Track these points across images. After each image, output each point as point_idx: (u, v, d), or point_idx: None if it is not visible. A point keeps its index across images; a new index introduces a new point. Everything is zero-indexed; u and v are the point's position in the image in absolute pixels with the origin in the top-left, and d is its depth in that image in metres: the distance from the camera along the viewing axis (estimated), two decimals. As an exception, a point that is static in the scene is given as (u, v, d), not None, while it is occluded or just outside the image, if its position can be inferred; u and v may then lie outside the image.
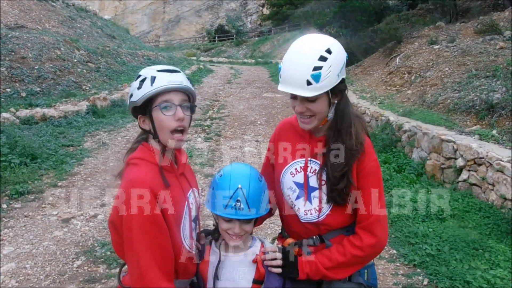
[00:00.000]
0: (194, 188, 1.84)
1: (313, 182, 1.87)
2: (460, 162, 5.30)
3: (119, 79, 13.77)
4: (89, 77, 12.70)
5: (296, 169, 1.91)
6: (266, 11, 45.87)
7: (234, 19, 43.49)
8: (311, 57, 1.60)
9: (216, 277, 1.80)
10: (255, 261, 1.82)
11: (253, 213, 1.74)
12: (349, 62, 14.90)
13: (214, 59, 33.87)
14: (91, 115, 10.10)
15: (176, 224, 1.66)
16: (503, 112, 6.04)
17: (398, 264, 4.08)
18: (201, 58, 31.96)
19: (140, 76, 1.65)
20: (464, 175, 5.26)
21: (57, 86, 11.19)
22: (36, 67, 11.17)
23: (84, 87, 11.94)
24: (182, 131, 1.67)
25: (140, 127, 1.73)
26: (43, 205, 5.40)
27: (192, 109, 1.70)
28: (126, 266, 1.78)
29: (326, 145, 1.83)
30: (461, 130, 6.00)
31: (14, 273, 3.88)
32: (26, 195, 5.66)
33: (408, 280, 3.77)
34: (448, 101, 7.25)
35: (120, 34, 23.48)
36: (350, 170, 1.79)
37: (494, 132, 5.66)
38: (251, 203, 1.73)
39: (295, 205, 1.92)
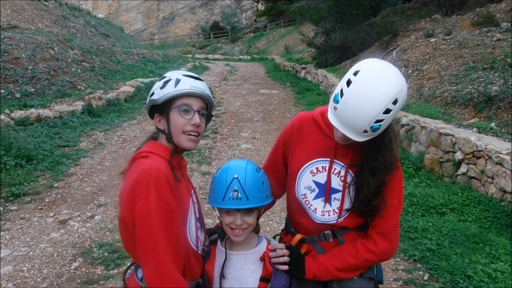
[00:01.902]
0: (193, 190, 1.83)
1: (336, 183, 1.83)
2: (459, 156, 5.27)
3: (114, 78, 13.69)
4: (83, 77, 12.61)
5: (317, 168, 1.85)
6: (261, 7, 45.73)
7: (229, 16, 43.31)
8: (377, 109, 1.50)
9: (222, 276, 1.77)
10: (262, 259, 1.80)
11: (252, 202, 1.71)
12: (345, 57, 14.92)
13: (210, 56, 33.75)
14: (86, 115, 10.02)
15: (183, 221, 1.64)
16: (501, 104, 6.01)
17: (398, 259, 4.06)
18: (197, 56, 31.87)
19: (165, 77, 1.69)
20: (463, 168, 5.23)
21: (52, 87, 11.11)
22: (30, 68, 11.08)
23: (79, 87, 11.85)
24: (195, 136, 1.68)
25: (156, 126, 1.74)
26: (40, 207, 5.35)
27: (208, 118, 1.72)
28: (132, 268, 1.75)
29: (360, 159, 1.78)
30: (460, 123, 5.97)
31: (11, 276, 3.83)
32: (22, 197, 5.61)
33: (409, 275, 3.75)
34: (446, 94, 7.22)
35: (114, 33, 23.36)
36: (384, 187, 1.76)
37: (493, 124, 5.63)
38: (248, 192, 1.71)
39: (311, 205, 1.87)
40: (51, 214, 5.13)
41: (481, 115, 6.23)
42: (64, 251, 4.27)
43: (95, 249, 4.30)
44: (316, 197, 1.85)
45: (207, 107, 1.72)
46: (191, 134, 1.66)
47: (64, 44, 13.42)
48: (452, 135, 5.44)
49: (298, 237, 1.93)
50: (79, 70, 12.73)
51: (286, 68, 20.03)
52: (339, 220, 1.83)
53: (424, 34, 10.97)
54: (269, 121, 10.09)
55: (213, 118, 10.53)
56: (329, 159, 1.83)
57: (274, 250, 1.82)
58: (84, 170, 6.71)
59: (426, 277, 3.67)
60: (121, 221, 1.58)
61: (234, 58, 32.09)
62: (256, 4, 47.29)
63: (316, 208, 1.86)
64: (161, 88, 1.65)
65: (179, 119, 1.63)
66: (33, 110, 9.24)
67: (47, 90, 10.87)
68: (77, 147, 7.86)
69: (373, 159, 1.73)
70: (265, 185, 1.80)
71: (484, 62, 7.37)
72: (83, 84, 12.15)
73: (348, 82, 1.55)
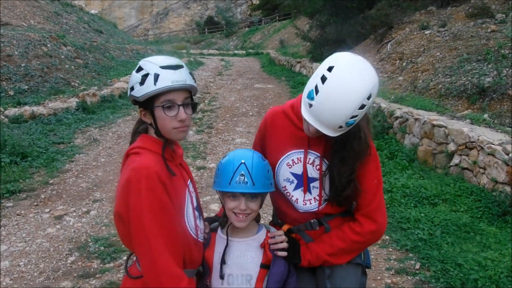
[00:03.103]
0: (190, 179, 1.85)
1: (312, 173, 1.87)
2: (451, 147, 5.32)
3: (108, 74, 13.65)
4: (77, 73, 12.55)
5: (293, 160, 1.90)
6: (255, 1, 45.57)
7: (224, 10, 43.19)
8: (353, 106, 1.52)
9: (223, 261, 1.81)
10: (263, 246, 1.84)
11: (258, 187, 1.74)
12: (340, 50, 14.79)
13: (205, 51, 33.69)
14: (81, 111, 10.01)
15: (180, 212, 1.67)
16: (494, 95, 6.07)
17: (390, 249, 4.11)
18: (191, 51, 31.76)
19: (141, 69, 1.62)
20: (455, 159, 5.28)
21: (45, 84, 11.05)
22: (22, 65, 11.02)
23: (73, 83, 11.81)
24: (185, 127, 1.69)
25: (142, 119, 1.74)
26: (35, 203, 5.37)
27: (194, 107, 1.71)
28: (133, 256, 1.77)
29: (331, 148, 1.81)
30: (453, 115, 6.02)
31: (8, 271, 3.85)
32: (18, 194, 5.62)
33: (401, 265, 3.80)
34: (440, 86, 7.26)
35: (108, 29, 23.24)
36: (356, 175, 1.78)
37: (486, 116, 5.68)
38: (255, 177, 1.74)
39: (292, 196, 1.91)
40: (47, 210, 5.15)
41: (475, 107, 6.28)
42: (60, 246, 4.30)
43: (91, 243, 4.33)
44: (295, 188, 1.91)
45: (191, 93, 1.71)
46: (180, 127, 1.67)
47: (57, 40, 13.34)
48: (445, 127, 5.49)
49: (285, 227, 1.97)
50: (72, 67, 12.66)
51: (281, 63, 20.03)
52: (320, 207, 1.88)
53: (419, 27, 11.00)
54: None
55: (208, 113, 10.58)
56: (303, 150, 1.87)
57: (273, 237, 1.86)
58: (79, 166, 6.72)
59: (417, 266, 3.72)
60: (117, 215, 1.61)
61: (229, 53, 32.05)
62: (250, -2, 47.11)
63: (297, 198, 1.91)
64: (140, 84, 1.60)
65: (164, 118, 1.62)
66: (27, 107, 9.22)
67: (40, 87, 10.81)
68: (71, 143, 7.86)
69: (342, 148, 1.77)
70: (270, 174, 1.84)
71: (478, 53, 7.41)
72: (77, 81, 12.10)
73: (323, 79, 1.55)
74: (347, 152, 1.76)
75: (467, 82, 6.75)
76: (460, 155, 5.20)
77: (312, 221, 1.90)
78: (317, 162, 1.85)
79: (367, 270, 1.98)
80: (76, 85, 11.81)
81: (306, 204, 1.89)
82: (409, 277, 3.60)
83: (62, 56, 12.69)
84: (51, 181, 6.05)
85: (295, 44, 25.00)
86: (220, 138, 8.31)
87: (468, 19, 10.33)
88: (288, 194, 1.92)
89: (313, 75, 1.64)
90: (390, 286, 3.50)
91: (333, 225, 1.90)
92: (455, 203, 4.68)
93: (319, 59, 15.24)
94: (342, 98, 1.52)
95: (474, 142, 4.95)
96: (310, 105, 1.60)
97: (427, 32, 10.34)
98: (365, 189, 1.80)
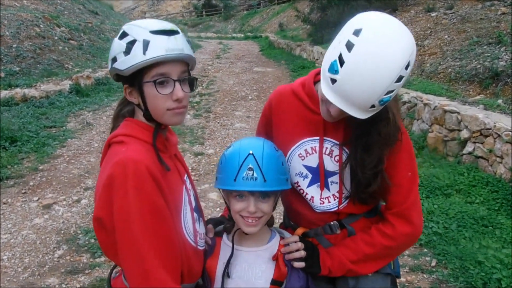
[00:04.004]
0: (187, 174, 1.52)
1: (330, 165, 1.54)
2: (464, 134, 5.02)
3: (103, 56, 13.21)
4: (71, 55, 12.16)
5: (306, 150, 1.57)
6: (254, -17, 44.69)
7: (222, -7, 42.36)
8: (389, 78, 1.19)
9: (226, 274, 1.48)
10: (275, 258, 1.51)
11: (270, 184, 1.40)
12: (341, 34, 14.40)
13: (202, 34, 33.06)
14: (74, 94, 9.64)
15: (177, 215, 1.35)
16: (508, 80, 5.75)
17: (403, 244, 3.83)
18: (189, 34, 31.08)
19: (126, 35, 1.28)
20: (469, 147, 4.98)
21: (38, 65, 10.68)
22: (14, 46, 10.63)
23: (66, 65, 11.43)
24: (182, 108, 1.35)
25: (126, 99, 1.39)
26: (23, 191, 5.07)
27: (191, 84, 1.37)
28: (118, 268, 1.47)
29: (352, 133, 1.48)
30: (464, 100, 5.70)
31: (-10, 266, 3.57)
32: (5, 181, 5.32)
33: (415, 261, 3.52)
34: (449, 70, 6.93)
35: (104, 10, 22.66)
36: (385, 166, 1.46)
37: (500, 101, 5.37)
38: (266, 171, 1.40)
39: (307, 194, 1.59)
40: (35, 199, 4.85)
41: (487, 92, 5.97)
42: (47, 238, 4.01)
43: (80, 235, 4.03)
44: (310, 184, 1.58)
45: (189, 66, 1.36)
46: (176, 109, 1.33)
47: (50, 21, 12.91)
48: (458, 113, 5.17)
49: (299, 231, 1.65)
50: (66, 48, 12.27)
51: (281, 46, 19.56)
52: (341, 206, 1.56)
53: (425, 9, 10.61)
54: (264, 100, 9.75)
55: (206, 96, 10.21)
56: (318, 138, 1.54)
57: (287, 244, 1.54)
58: (71, 151, 6.39)
59: (433, 263, 3.44)
60: (98, 221, 1.28)
61: (227, 36, 31.44)
62: (249, -19, 46.24)
63: (312, 196, 1.59)
64: (125, 53, 1.26)
65: (156, 96, 1.29)
66: (18, 90, 8.87)
67: (32, 69, 10.45)
68: (64, 127, 7.53)
69: (365, 133, 1.43)
70: (285, 167, 1.50)
71: (489, 36, 7.07)
72: (71, 63, 11.72)
73: (349, 45, 1.20)
74: (372, 137, 1.43)
75: (478, 66, 6.42)
76: (474, 142, 4.90)
77: (332, 223, 1.58)
78: (336, 151, 1.53)
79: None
80: (70, 67, 11.44)
81: (323, 203, 1.57)
82: (425, 275, 3.32)
83: (56, 37, 12.29)
84: (41, 167, 5.74)
85: (295, 27, 24.48)
86: (218, 123, 7.98)
87: (476, 1, 9.93)
88: (301, 191, 1.60)
89: (333, 43, 1.29)
90: (405, 285, 3.22)
91: (357, 227, 1.59)
92: (469, 194, 4.40)
93: (320, 42, 14.83)
94: (376, 68, 1.18)
95: (490, 129, 4.64)
96: (334, 81, 1.26)
97: (433, 14, 9.96)
98: (398, 183, 1.48)
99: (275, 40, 21.21)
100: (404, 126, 1.50)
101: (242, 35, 30.59)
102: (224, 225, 1.60)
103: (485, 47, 6.87)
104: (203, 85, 11.72)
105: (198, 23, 41.46)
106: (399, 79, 1.21)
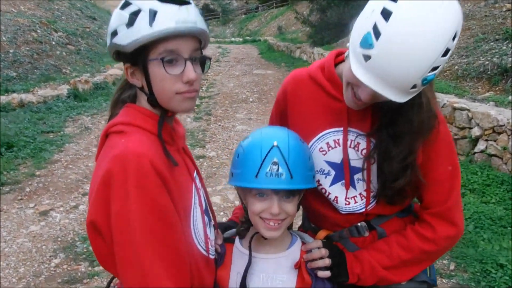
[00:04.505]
0: (196, 171, 1.33)
1: (356, 160, 1.35)
2: (476, 132, 4.84)
3: (101, 61, 13.09)
4: (69, 60, 12.03)
5: (328, 143, 1.38)
6: (252, -12, 44.70)
7: (220, -3, 42.34)
8: (434, 52, 1.01)
9: (244, 286, 1.29)
10: (298, 266, 1.32)
11: (297, 182, 1.21)
12: (342, 35, 14.37)
13: (201, 39, 32.93)
14: (72, 99, 9.47)
15: (186, 218, 1.16)
16: (518, 76, 5.59)
17: (418, 247, 3.64)
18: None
19: (129, 4, 1.08)
20: (481, 145, 4.80)
21: (35, 70, 10.54)
22: (11, 51, 10.49)
23: (64, 70, 11.29)
24: (193, 92, 1.16)
25: (128, 82, 1.20)
26: (19, 197, 4.87)
27: (203, 62, 1.17)
28: (116, 280, 1.30)
29: (380, 121, 1.29)
30: (473, 97, 5.52)
31: (-17, 277, 3.38)
32: (1, 187, 5.12)
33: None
34: (456, 67, 6.76)
35: (102, 16, 22.54)
36: (420, 160, 1.27)
37: (511, 98, 5.19)
38: (293, 166, 1.21)
39: (329, 194, 1.40)
40: (31, 205, 4.65)
41: (497, 89, 5.80)
42: (44, 246, 3.81)
43: (78, 243, 3.84)
44: (333, 182, 1.39)
45: (201, 44, 1.17)
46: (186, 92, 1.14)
47: (48, 26, 12.79)
48: (468, 110, 4.99)
49: (322, 234, 1.47)
50: (64, 53, 12.15)
51: (280, 48, 19.42)
52: (368, 207, 1.38)
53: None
54: (265, 102, 9.58)
55: (206, 99, 10.04)
56: (341, 128, 1.36)
57: (309, 250, 1.35)
58: (69, 156, 6.21)
59: (452, 267, 3.25)
60: (92, 226, 1.09)
61: (226, 40, 31.33)
62: (247, -15, 46.26)
63: (336, 197, 1.40)
64: (128, 25, 1.06)
65: (164, 77, 1.10)
66: (15, 95, 8.70)
67: (30, 74, 10.31)
68: (62, 132, 7.35)
69: (394, 122, 1.25)
70: (312, 162, 1.31)
71: (496, 33, 6.92)
72: (69, 68, 11.58)
73: (386, 14, 1.01)
74: (401, 125, 1.24)
75: (486, 63, 6.26)
76: (487, 140, 4.72)
77: (359, 224, 1.39)
78: (362, 143, 1.34)
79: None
80: (68, 72, 11.30)
81: (349, 203, 1.39)
82: (444, 280, 3.13)
83: (53, 42, 12.17)
84: (37, 173, 5.55)
85: (294, 30, 24.38)
86: (219, 125, 7.80)
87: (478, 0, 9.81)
88: (323, 191, 1.42)
89: (363, 13, 1.10)
90: (423, 291, 3.03)
91: (389, 229, 1.40)
92: (484, 193, 4.22)
93: (320, 43, 14.69)
94: (420, 39, 0.99)
95: (504, 125, 4.47)
96: (367, 57, 1.07)
97: (436, 12, 9.81)
98: (437, 179, 1.30)
99: (275, 43, 21.08)
100: (440, 111, 1.32)
101: (241, 39, 30.50)
102: (237, 229, 1.40)
103: (492, 43, 6.72)
104: (203, 88, 11.55)
105: (196, 28, 41.39)
106: (445, 52, 1.03)
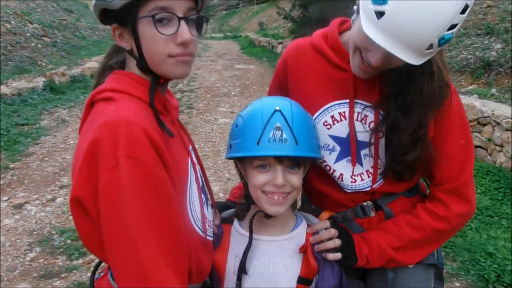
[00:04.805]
0: (192, 145, 1.22)
1: (363, 134, 1.26)
2: (460, 123, 4.85)
3: (78, 53, 12.79)
4: (44, 52, 11.68)
5: (333, 116, 1.29)
6: (232, -16, 44.45)
7: (200, -7, 41.93)
8: (454, 6, 0.94)
9: (243, 270, 1.18)
10: (303, 249, 1.21)
11: (303, 148, 1.12)
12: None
13: (181, 34, 32.63)
14: (48, 91, 9.16)
15: (182, 196, 1.05)
16: (501, 69, 5.63)
17: (405, 237, 3.61)
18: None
19: None
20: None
21: (9, 62, 10.18)
22: (-17, 42, 10.11)
23: (39, 62, 10.95)
24: (188, 56, 1.05)
25: (117, 44, 1.08)
26: (-8, 191, 4.65)
27: (200, 24, 1.07)
28: (103, 265, 1.18)
29: (387, 89, 1.21)
30: (457, 90, 5.53)
31: (-48, 272, 3.18)
32: (-28, 181, 4.88)
33: (420, 255, 3.30)
34: (439, 61, 6.81)
35: (79, 9, 22.08)
36: (431, 134, 1.19)
37: (494, 90, 5.23)
38: (297, 131, 1.11)
39: (334, 171, 1.31)
40: (5, 198, 4.44)
41: (480, 82, 5.83)
42: (18, 240, 3.63)
43: (55, 236, 3.67)
44: (338, 159, 1.31)
45: (197, 5, 1.07)
46: (180, 55, 1.03)
47: (22, 17, 12.40)
48: (453, 102, 5.00)
49: (324, 215, 1.38)
50: (39, 45, 11.78)
51: (262, 44, 19.33)
52: (375, 185, 1.29)
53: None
54: (248, 96, 9.48)
55: (188, 93, 9.88)
56: (347, 101, 1.27)
57: (316, 232, 1.25)
58: (45, 149, 5.98)
59: (441, 257, 3.22)
60: (76, 204, 0.96)
61: (206, 36, 30.94)
62: (227, -19, 45.98)
63: (342, 174, 1.31)
64: None
65: (155, 37, 0.99)
66: (-13, 86, 8.36)
67: (3, 66, 9.94)
68: (37, 125, 7.08)
69: (404, 92, 1.17)
70: (316, 132, 1.22)
71: (477, 28, 6.97)
72: (45, 60, 11.25)
73: None
74: (411, 96, 1.16)
75: (469, 56, 6.30)
76: (471, 132, 4.73)
77: (364, 204, 1.31)
78: (370, 116, 1.26)
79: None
80: (44, 64, 10.97)
81: (355, 181, 1.30)
82: (433, 270, 3.09)
83: (28, 34, 11.80)
84: (11, 166, 5.32)
85: (275, 26, 24.31)
86: (201, 118, 7.66)
87: (459, -4, 9.93)
88: (327, 168, 1.32)
89: None
90: (412, 281, 2.99)
91: (396, 208, 1.32)
92: (470, 184, 4.22)
93: (302, 39, 14.66)
94: None
95: (488, 117, 4.48)
96: (380, 14, 0.99)
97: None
98: (449, 154, 1.22)
99: (256, 39, 20.98)
100: (451, 82, 1.24)
101: (222, 35, 30.32)
102: (236, 209, 1.29)
103: (473, 38, 6.77)
104: (184, 82, 11.37)
105: (176, 23, 41.00)
106: (464, 9, 0.95)
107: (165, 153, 0.97)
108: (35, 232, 3.75)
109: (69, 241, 3.56)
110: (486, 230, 3.42)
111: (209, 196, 1.25)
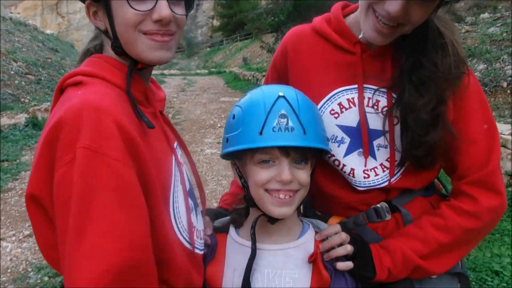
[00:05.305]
0: (178, 142, 1.07)
1: (376, 121, 1.13)
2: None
3: (63, 90, 12.63)
4: (28, 89, 11.57)
5: (340, 103, 1.16)
6: (216, 22, 45.44)
7: (185, 31, 42.69)
8: None
9: (247, 284, 1.00)
10: (312, 259, 1.04)
11: (312, 139, 0.97)
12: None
13: (166, 71, 32.76)
14: (31, 127, 8.98)
15: (163, 201, 0.89)
16: (486, 88, 5.67)
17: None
18: (152, 72, 30.85)
19: None
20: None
21: (-9, 100, 10.01)
22: (-36, 79, 9.96)
23: (23, 99, 10.82)
24: (167, 35, 0.93)
25: (94, 25, 0.97)
26: (-34, 229, 4.37)
27: (189, 5, 0.96)
28: None
29: (400, 67, 1.09)
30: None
31: None
32: None
33: (422, 278, 3.12)
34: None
35: (64, 48, 22.15)
36: (447, 109, 1.07)
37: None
38: (304, 119, 0.97)
39: (344, 166, 1.16)
40: (-21, 236, 4.17)
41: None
42: (-10, 279, 3.36)
43: (31, 273, 3.40)
44: (349, 151, 1.16)
45: None
46: (156, 34, 0.91)
47: (7, 56, 12.38)
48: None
49: (333, 221, 1.21)
50: (23, 83, 11.69)
51: (246, 78, 19.49)
52: (393, 179, 1.14)
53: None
54: (235, 127, 9.40)
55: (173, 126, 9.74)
56: (355, 86, 1.15)
57: (325, 238, 1.08)
58: (24, 184, 5.73)
59: (444, 278, 3.05)
60: (32, 202, 0.81)
61: (191, 72, 31.37)
62: (211, 20, 47.02)
63: (353, 169, 1.16)
64: None
65: (126, 13, 0.87)
66: (-33, 124, 8.16)
67: (-16, 104, 9.77)
68: (18, 161, 6.86)
69: (418, 66, 1.06)
70: (323, 123, 1.08)
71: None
72: (28, 97, 11.12)
73: None
74: (426, 70, 1.05)
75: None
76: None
77: (378, 205, 1.14)
78: (383, 101, 1.13)
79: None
80: (27, 101, 10.85)
81: (368, 176, 1.15)
82: (438, 291, 2.91)
83: (12, 72, 11.76)
84: (-12, 202, 5.06)
85: (259, 61, 24.67)
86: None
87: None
88: (336, 163, 1.18)
89: None
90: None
91: (413, 211, 1.16)
92: (466, 203, 4.09)
93: (287, 71, 14.84)
94: None
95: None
96: None
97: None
98: (472, 140, 1.09)
99: (240, 72, 21.19)
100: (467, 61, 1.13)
101: (206, 71, 30.64)
102: (233, 214, 1.13)
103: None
104: (169, 115, 11.27)
105: (161, 61, 41.44)
106: None
107: (141, 148, 0.82)
108: (9, 270, 3.48)
109: (46, 278, 3.30)
110: (489, 248, 3.26)
111: (199, 202, 1.09)
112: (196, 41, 43.25)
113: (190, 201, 1.02)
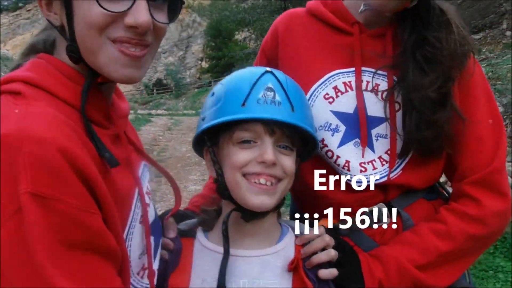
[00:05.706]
0: (144, 162, 0.94)
1: (375, 107, 1.01)
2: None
3: None
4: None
5: (336, 87, 1.04)
6: (205, 64, 46.23)
7: (174, 72, 43.16)
8: None
9: None
10: (293, 266, 0.89)
11: (300, 117, 0.86)
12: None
13: (153, 111, 32.91)
14: None
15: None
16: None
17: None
18: (139, 111, 30.90)
19: None
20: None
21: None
22: None
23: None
24: (139, 45, 0.75)
25: (48, 20, 0.78)
26: None
27: (173, 8, 0.78)
28: None
29: (400, 45, 1.01)
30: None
31: None
32: None
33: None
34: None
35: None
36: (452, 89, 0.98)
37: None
38: (293, 96, 0.86)
39: (338, 158, 1.03)
40: None
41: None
42: None
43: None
44: (344, 141, 1.04)
45: None
46: (128, 43, 0.74)
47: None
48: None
49: (322, 223, 1.06)
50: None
51: (233, 118, 19.66)
52: (393, 174, 1.01)
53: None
54: (220, 164, 9.29)
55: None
56: (353, 68, 1.05)
57: (307, 242, 0.93)
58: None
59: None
60: None
61: (179, 113, 31.50)
62: (200, 62, 47.85)
63: (348, 161, 1.03)
64: None
65: (91, 11, 0.70)
66: None
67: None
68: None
69: (421, 43, 0.98)
70: (310, 107, 0.99)
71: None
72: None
73: None
74: (431, 45, 0.97)
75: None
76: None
77: (377, 208, 1.02)
78: (383, 84, 1.03)
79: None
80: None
81: (365, 169, 1.03)
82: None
83: None
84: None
85: (246, 101, 24.94)
86: (170, 186, 7.33)
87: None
88: (329, 154, 1.04)
89: None
90: None
91: (415, 215, 1.03)
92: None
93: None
94: None
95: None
96: None
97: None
98: (475, 135, 1.00)
99: (227, 113, 21.37)
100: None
101: (194, 112, 30.78)
102: (203, 215, 0.99)
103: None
104: (154, 153, 11.13)
105: (148, 100, 41.67)
106: None
107: (100, 185, 0.66)
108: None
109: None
110: (484, 285, 3.12)
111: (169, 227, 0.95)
112: (184, 82, 43.74)
113: (152, 241, 0.86)
